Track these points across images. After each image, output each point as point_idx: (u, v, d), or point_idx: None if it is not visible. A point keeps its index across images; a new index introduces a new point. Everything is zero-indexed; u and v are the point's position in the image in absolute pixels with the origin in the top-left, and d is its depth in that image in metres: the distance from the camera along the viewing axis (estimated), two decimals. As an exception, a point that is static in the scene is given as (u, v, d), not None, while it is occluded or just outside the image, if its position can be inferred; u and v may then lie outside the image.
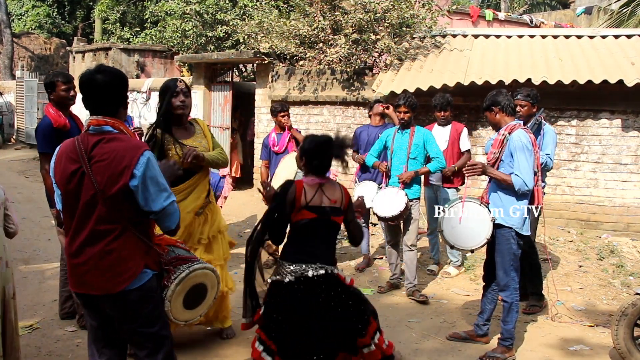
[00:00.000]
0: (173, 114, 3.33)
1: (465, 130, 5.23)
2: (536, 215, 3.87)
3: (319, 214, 2.82)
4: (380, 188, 4.77)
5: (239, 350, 3.64)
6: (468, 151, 5.25)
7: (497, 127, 3.65)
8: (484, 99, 3.66)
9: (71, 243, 2.24)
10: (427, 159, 4.70)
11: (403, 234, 4.70)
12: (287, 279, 2.76)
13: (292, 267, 2.78)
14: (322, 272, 2.79)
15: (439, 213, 4.71)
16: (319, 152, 2.91)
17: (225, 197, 5.47)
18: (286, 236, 2.91)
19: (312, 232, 2.84)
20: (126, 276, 2.18)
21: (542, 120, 4.34)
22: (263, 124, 8.71)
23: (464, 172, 3.64)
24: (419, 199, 4.68)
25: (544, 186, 4.50)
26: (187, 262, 2.46)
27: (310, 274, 2.76)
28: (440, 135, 5.19)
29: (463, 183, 5.17)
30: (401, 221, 4.65)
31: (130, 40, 16.31)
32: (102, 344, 2.38)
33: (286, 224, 2.85)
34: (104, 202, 2.13)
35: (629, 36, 7.24)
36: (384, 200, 4.52)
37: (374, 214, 4.65)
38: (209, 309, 2.73)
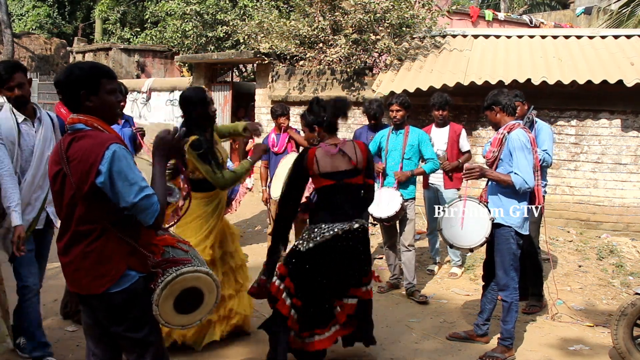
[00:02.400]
0: (207, 121, 3.53)
1: (463, 132, 5.22)
2: (536, 215, 3.88)
3: (336, 179, 3.07)
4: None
5: (239, 350, 3.65)
6: (469, 151, 5.26)
7: (497, 127, 3.66)
8: (485, 98, 3.67)
9: (59, 242, 2.24)
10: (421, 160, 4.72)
11: (400, 234, 4.70)
12: (321, 239, 3.06)
13: (329, 226, 3.06)
14: (356, 225, 3.11)
15: (439, 213, 4.73)
16: (323, 109, 3.13)
17: (239, 202, 5.49)
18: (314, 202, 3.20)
19: (336, 196, 3.09)
20: (107, 278, 2.14)
21: (534, 118, 4.36)
22: (263, 124, 8.72)
23: (462, 176, 3.65)
24: (414, 199, 4.67)
25: (545, 185, 4.51)
26: (178, 264, 2.33)
27: (347, 228, 3.07)
28: (438, 137, 5.19)
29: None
30: (397, 222, 4.65)
31: (131, 40, 16.34)
32: (96, 342, 2.35)
33: (301, 190, 3.15)
34: (82, 202, 2.10)
35: (628, 36, 7.25)
36: (380, 201, 4.50)
37: (369, 214, 4.64)
38: (210, 313, 2.57)
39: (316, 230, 3.10)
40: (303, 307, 3.10)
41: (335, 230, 3.06)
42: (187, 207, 2.64)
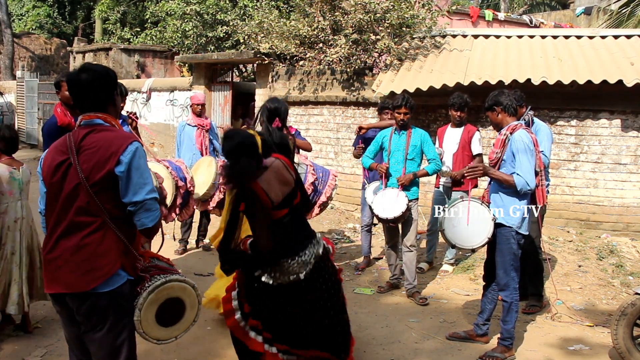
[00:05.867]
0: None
1: (477, 134, 5.11)
2: (536, 215, 3.88)
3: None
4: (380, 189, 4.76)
5: (239, 349, 3.65)
6: (480, 155, 5.07)
7: (498, 127, 3.66)
8: (487, 99, 3.67)
9: (48, 239, 2.17)
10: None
11: (402, 234, 4.70)
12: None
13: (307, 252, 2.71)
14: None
15: (439, 213, 4.73)
16: None
17: None
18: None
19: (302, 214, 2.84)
20: (99, 274, 2.07)
21: (531, 119, 4.35)
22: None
23: (465, 174, 3.65)
24: (417, 199, 4.67)
25: (548, 184, 4.50)
26: (166, 272, 2.29)
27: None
28: (451, 137, 5.16)
29: (476, 186, 4.97)
30: (400, 222, 4.65)
31: (131, 40, 16.35)
32: (74, 344, 2.28)
33: None
34: (86, 191, 2.08)
35: (628, 36, 7.25)
36: (385, 202, 4.51)
37: (375, 215, 4.64)
38: (187, 331, 2.44)
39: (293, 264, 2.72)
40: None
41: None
42: None
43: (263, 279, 2.66)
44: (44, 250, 2.19)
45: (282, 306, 2.69)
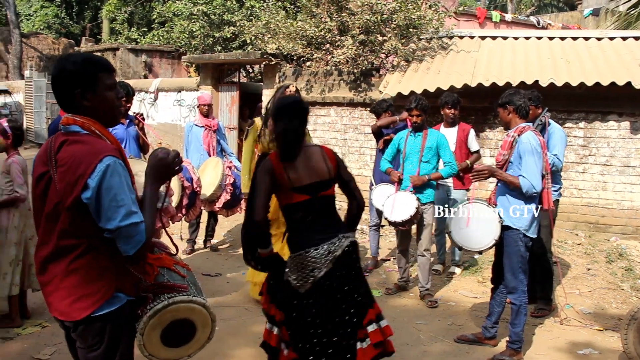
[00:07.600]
0: None
1: (472, 131, 5.20)
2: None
3: (311, 194, 2.62)
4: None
5: (246, 350, 3.65)
6: (478, 152, 5.22)
7: (507, 126, 3.65)
8: (501, 95, 3.65)
9: (36, 256, 1.97)
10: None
11: (417, 239, 4.67)
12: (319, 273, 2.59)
13: (317, 251, 2.58)
14: (346, 242, 2.63)
15: (439, 213, 4.73)
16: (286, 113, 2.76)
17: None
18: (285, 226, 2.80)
19: (311, 213, 2.67)
20: (92, 300, 1.86)
21: (547, 121, 4.33)
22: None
23: (470, 177, 3.64)
24: (433, 202, 4.60)
25: (560, 187, 4.49)
26: (172, 291, 2.05)
27: (339, 252, 2.59)
28: (447, 136, 5.17)
29: (471, 182, 5.12)
30: (414, 226, 4.62)
31: (138, 40, 16.44)
32: None
33: (267, 204, 2.66)
34: (65, 214, 1.83)
35: (637, 38, 7.20)
36: (395, 205, 4.47)
37: (385, 218, 4.63)
38: (201, 349, 2.24)
39: (308, 259, 2.59)
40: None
41: (328, 252, 2.58)
42: None
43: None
44: (35, 269, 2.03)
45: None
